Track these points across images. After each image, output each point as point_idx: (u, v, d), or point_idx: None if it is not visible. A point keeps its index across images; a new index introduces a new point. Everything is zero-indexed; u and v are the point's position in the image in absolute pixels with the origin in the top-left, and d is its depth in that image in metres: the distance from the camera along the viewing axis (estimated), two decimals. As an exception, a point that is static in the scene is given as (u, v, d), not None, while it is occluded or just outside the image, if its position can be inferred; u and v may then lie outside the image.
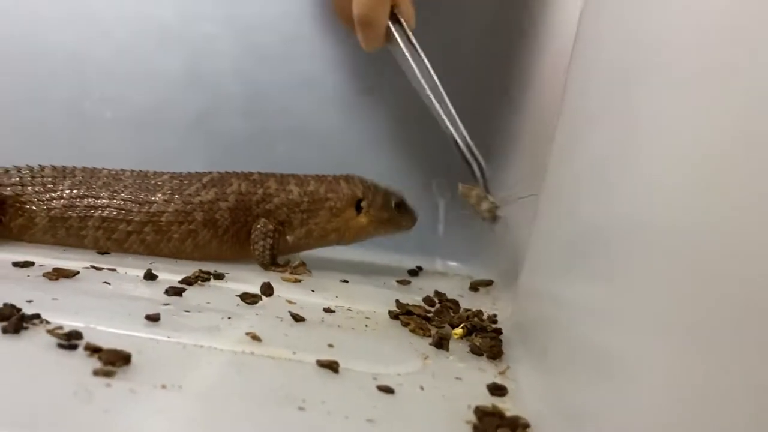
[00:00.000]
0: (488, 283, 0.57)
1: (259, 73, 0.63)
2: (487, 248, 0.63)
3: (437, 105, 0.50)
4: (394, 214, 0.54)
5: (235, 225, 0.51)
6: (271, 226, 0.51)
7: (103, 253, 0.50)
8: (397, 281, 0.54)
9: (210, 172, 0.53)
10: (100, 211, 0.49)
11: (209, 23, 0.62)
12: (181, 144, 0.64)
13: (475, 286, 0.55)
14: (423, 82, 0.50)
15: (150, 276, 0.43)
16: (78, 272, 0.42)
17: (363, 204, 0.53)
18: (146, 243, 0.50)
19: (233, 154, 0.64)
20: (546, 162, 0.43)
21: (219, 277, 0.45)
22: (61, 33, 0.61)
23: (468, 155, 0.50)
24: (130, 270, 0.45)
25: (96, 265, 0.45)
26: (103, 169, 0.53)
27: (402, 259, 0.62)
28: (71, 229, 0.50)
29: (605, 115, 0.34)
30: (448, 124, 0.50)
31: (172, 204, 0.50)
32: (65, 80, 0.62)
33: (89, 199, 0.50)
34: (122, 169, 0.53)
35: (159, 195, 0.50)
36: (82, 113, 0.63)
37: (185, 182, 0.51)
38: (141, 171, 0.53)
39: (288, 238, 0.52)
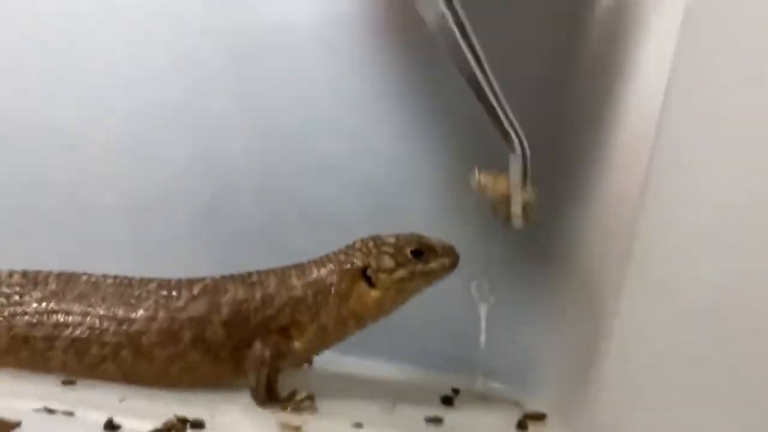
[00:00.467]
0: (540, 417, 0.46)
1: (274, 156, 0.55)
2: (538, 365, 0.53)
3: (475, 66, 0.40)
4: (417, 266, 0.43)
5: (231, 340, 0.42)
6: (267, 353, 0.42)
7: (68, 382, 0.41)
8: (427, 419, 0.43)
9: (204, 279, 0.44)
10: (70, 330, 0.41)
11: (220, 101, 0.55)
12: (187, 233, 0.56)
13: (523, 423, 0.45)
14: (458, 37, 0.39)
15: (111, 426, 0.35)
16: (19, 423, 0.34)
17: (369, 272, 0.43)
18: (123, 369, 0.41)
19: (246, 246, 0.55)
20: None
21: (198, 425, 0.36)
22: (56, 109, 0.55)
23: (508, 129, 0.40)
24: (91, 412, 0.36)
25: (50, 405, 0.36)
26: (83, 275, 0.45)
27: (435, 378, 0.52)
28: (36, 352, 0.42)
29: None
30: (486, 89, 0.40)
31: (156, 322, 0.42)
32: (61, 161, 0.55)
33: (59, 315, 0.42)
34: (105, 275, 0.45)
35: (140, 311, 0.42)
36: (78, 197, 0.56)
37: (173, 293, 0.43)
38: (125, 278, 0.45)
39: (296, 344, 0.43)
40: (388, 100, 0.53)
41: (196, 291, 0.43)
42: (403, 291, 0.44)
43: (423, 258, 0.43)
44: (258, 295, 0.43)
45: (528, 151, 0.41)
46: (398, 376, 0.52)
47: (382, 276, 0.43)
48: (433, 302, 0.50)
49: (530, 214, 0.42)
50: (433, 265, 0.43)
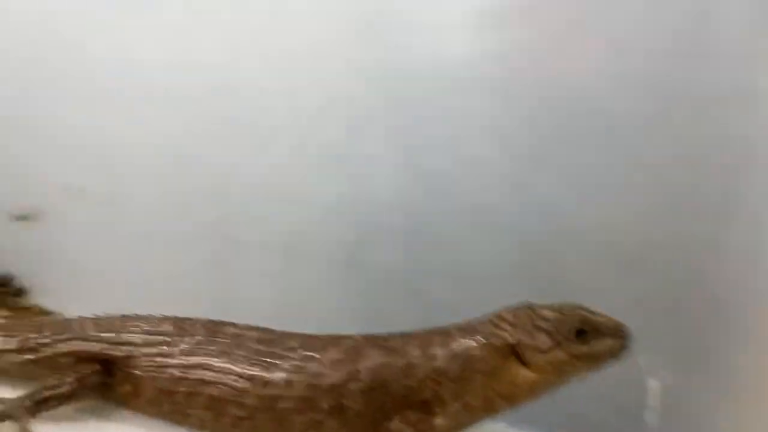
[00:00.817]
0: None
1: (423, 199, 0.52)
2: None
3: None
4: (579, 348, 0.37)
5: (369, 410, 0.39)
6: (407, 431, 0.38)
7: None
8: None
9: (343, 339, 0.41)
10: (210, 388, 0.41)
11: (372, 141, 0.52)
12: (329, 278, 0.54)
13: None
14: None
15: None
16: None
17: (521, 350, 0.38)
18: None
19: (388, 295, 0.53)
20: None
21: None
22: (204, 147, 0.55)
23: None
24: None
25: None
26: (228, 326, 0.43)
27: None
28: (177, 406, 0.41)
29: None
30: None
31: (294, 387, 0.39)
32: (208, 197, 0.56)
33: (201, 371, 0.41)
34: (249, 327, 0.43)
35: (280, 374, 0.40)
36: (224, 234, 0.56)
37: (314, 355, 0.41)
38: (268, 332, 0.43)
39: (438, 422, 0.39)
40: (549, 143, 0.48)
41: (336, 354, 0.40)
42: (561, 374, 0.38)
43: (586, 338, 0.38)
44: (399, 363, 0.40)
45: None
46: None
47: (537, 356, 0.38)
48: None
49: None
50: (599, 348, 0.38)
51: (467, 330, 0.40)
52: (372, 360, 0.40)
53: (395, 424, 0.39)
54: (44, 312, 0.57)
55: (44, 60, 0.56)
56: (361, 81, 0.50)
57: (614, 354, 0.38)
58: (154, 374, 0.42)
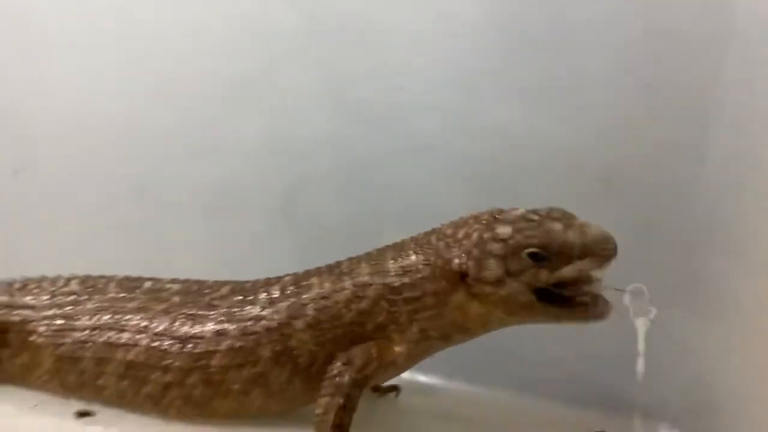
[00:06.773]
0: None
1: (357, 138, 0.45)
2: (721, 402, 0.40)
3: None
4: (537, 276, 0.30)
5: (321, 347, 0.33)
6: (347, 377, 0.31)
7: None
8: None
9: (281, 277, 0.35)
10: (123, 352, 0.34)
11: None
12: (262, 230, 0.48)
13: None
14: None
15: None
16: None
17: (469, 281, 0.31)
18: (193, 400, 0.33)
19: (330, 243, 0.46)
20: None
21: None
22: (110, 100, 0.48)
23: None
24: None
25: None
26: (147, 280, 0.37)
27: (576, 418, 0.40)
28: (85, 376, 0.34)
29: None
30: None
31: (226, 339, 0.33)
32: (118, 154, 0.49)
33: (111, 333, 0.34)
34: (173, 280, 0.37)
35: (207, 325, 0.33)
36: (141, 194, 0.49)
37: (248, 298, 0.34)
38: (195, 283, 0.36)
39: (399, 351, 0.33)
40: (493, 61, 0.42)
41: (274, 292, 0.34)
42: (516, 310, 0.31)
43: (549, 263, 0.30)
44: (347, 285, 0.33)
45: None
46: (523, 413, 0.41)
47: (485, 289, 0.30)
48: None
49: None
50: (566, 274, 0.30)
51: (421, 243, 0.33)
52: (316, 289, 0.33)
53: (336, 362, 0.32)
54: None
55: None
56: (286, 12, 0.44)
57: (586, 281, 0.30)
58: (54, 339, 0.35)
